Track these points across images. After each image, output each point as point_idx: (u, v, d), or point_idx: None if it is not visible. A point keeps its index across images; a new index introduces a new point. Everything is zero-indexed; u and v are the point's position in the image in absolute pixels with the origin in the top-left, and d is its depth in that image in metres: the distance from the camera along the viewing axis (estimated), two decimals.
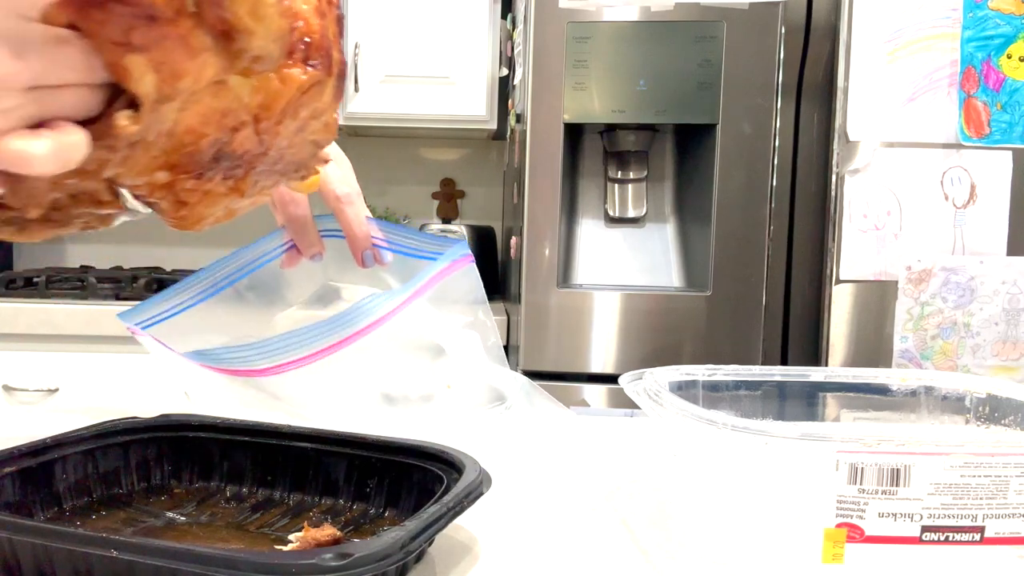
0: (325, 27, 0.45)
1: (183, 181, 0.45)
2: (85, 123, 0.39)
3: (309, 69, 0.44)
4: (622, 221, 1.77)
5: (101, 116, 0.40)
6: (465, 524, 0.60)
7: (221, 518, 0.62)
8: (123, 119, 0.39)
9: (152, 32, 0.38)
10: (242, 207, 0.49)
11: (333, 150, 0.78)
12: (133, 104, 0.40)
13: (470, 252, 0.74)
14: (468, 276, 0.73)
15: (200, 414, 0.72)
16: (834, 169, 1.60)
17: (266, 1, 0.40)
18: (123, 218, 0.48)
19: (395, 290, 0.71)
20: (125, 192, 0.45)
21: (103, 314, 1.80)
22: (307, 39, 0.44)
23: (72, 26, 0.37)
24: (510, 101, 2.03)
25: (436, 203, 2.56)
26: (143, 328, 0.78)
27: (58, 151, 0.38)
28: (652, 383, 0.62)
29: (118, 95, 0.40)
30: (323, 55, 0.45)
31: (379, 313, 0.68)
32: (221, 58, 0.40)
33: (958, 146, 1.58)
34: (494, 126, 2.16)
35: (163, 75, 0.39)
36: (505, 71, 2.11)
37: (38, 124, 0.38)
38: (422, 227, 2.25)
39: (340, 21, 0.46)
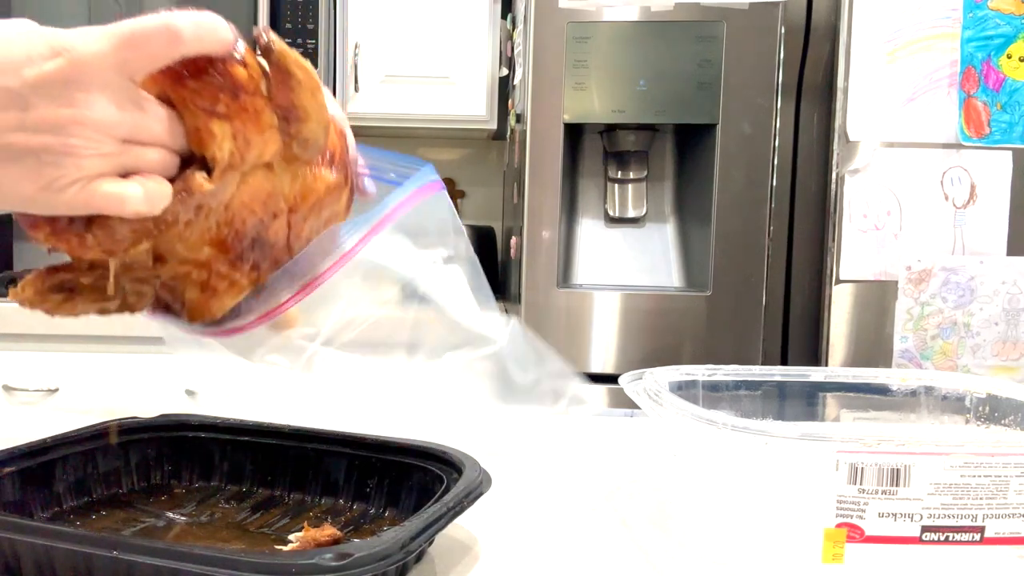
0: (343, 146, 0.53)
1: (220, 262, 0.51)
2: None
3: (334, 173, 0.52)
4: (622, 221, 1.77)
5: (175, 178, 0.45)
6: (465, 524, 0.60)
7: (221, 518, 0.62)
8: (200, 177, 0.46)
9: (235, 103, 0.45)
10: None
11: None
12: (205, 172, 0.46)
13: (439, 178, 0.61)
14: (439, 204, 0.62)
15: (200, 414, 0.72)
16: (834, 169, 1.60)
17: (319, 91, 0.48)
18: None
19: (355, 221, 0.59)
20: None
21: None
22: (330, 151, 0.51)
23: (161, 96, 0.44)
24: (510, 101, 2.02)
25: None
26: None
27: (148, 195, 0.43)
28: (652, 383, 0.62)
29: (186, 167, 0.46)
30: (342, 167, 0.52)
31: (339, 253, 0.57)
32: (281, 136, 0.47)
33: (958, 146, 1.58)
34: (494, 126, 2.16)
35: (238, 143, 0.46)
36: (505, 71, 2.11)
37: (124, 176, 0.43)
38: None
39: (348, 149, 0.54)
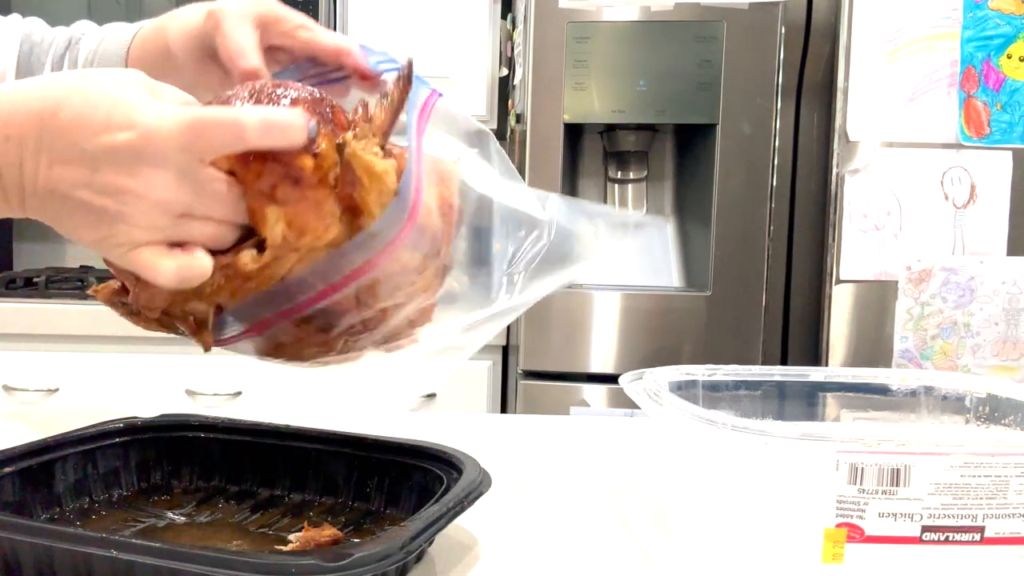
0: (445, 228, 0.51)
1: None
2: (216, 251, 0.46)
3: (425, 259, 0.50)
4: None
5: (230, 249, 0.46)
6: (465, 524, 0.60)
7: (221, 518, 0.62)
8: (247, 257, 0.46)
9: (294, 192, 0.45)
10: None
11: None
12: (261, 247, 0.46)
13: (433, 88, 0.54)
14: (446, 112, 0.56)
15: (200, 414, 0.72)
16: (834, 169, 1.60)
17: (387, 196, 0.46)
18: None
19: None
20: None
21: (103, 314, 1.79)
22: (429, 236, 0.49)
23: (231, 172, 0.45)
24: (510, 101, 2.02)
25: None
26: None
27: (180, 271, 0.45)
28: (652, 383, 0.62)
29: (251, 236, 0.46)
30: (437, 251, 0.51)
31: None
32: (344, 227, 0.47)
33: (958, 146, 1.58)
34: (494, 126, 2.16)
35: (293, 228, 0.46)
36: (505, 71, 2.11)
37: (178, 243, 0.45)
38: None
39: (459, 225, 0.53)
